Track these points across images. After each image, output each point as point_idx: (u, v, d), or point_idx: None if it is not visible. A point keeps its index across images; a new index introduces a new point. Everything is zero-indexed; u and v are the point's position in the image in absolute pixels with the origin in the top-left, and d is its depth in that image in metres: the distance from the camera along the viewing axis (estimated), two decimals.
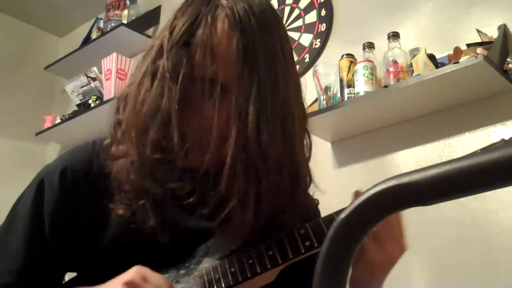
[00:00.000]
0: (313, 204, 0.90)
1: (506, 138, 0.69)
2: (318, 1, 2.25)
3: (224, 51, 0.68)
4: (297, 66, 2.21)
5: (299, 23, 2.29)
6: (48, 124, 2.96)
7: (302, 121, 0.77)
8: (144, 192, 0.72)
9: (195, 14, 0.70)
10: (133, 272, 0.69)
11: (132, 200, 0.72)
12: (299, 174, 0.74)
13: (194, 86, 0.68)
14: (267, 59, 0.69)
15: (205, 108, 0.69)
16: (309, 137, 0.79)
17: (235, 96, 0.67)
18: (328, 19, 2.19)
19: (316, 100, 1.96)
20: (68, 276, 0.86)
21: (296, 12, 2.32)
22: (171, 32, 0.71)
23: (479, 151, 0.69)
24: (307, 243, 0.71)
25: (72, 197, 0.77)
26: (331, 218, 0.73)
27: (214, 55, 0.68)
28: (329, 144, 2.04)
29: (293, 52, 2.29)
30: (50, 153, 3.20)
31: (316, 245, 0.71)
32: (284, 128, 0.70)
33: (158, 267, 0.76)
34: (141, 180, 0.71)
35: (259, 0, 0.73)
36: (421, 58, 1.67)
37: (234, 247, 0.73)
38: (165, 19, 2.85)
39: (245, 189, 0.67)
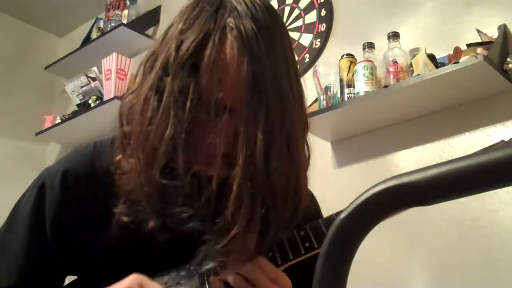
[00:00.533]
0: (311, 206, 0.89)
1: (506, 139, 0.69)
2: (318, 1, 2.25)
3: (233, 77, 0.66)
4: (297, 66, 2.21)
5: (299, 23, 2.29)
6: (48, 124, 2.96)
7: (304, 134, 0.76)
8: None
9: (203, 32, 0.67)
10: (130, 280, 0.70)
11: (135, 207, 0.72)
12: (302, 194, 0.73)
13: (201, 110, 0.67)
14: (274, 82, 0.68)
15: (212, 133, 0.67)
16: (308, 148, 0.77)
17: (244, 122, 0.66)
18: (328, 19, 2.19)
19: (316, 100, 1.96)
20: (69, 279, 0.86)
21: (296, 12, 2.32)
22: (177, 48, 0.68)
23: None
24: (307, 244, 0.71)
25: (73, 200, 0.77)
26: (331, 219, 0.73)
27: (222, 80, 0.66)
28: (329, 144, 2.04)
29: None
30: (50, 153, 3.21)
31: (316, 246, 0.71)
32: (290, 152, 0.69)
33: (158, 269, 0.77)
34: (148, 200, 0.70)
35: (263, 13, 0.71)
36: (421, 58, 1.67)
37: (239, 269, 0.72)
38: (165, 19, 2.84)
39: (250, 217, 0.66)
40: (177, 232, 0.71)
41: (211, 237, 0.69)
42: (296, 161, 0.71)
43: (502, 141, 0.69)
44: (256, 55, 0.66)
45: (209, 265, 0.75)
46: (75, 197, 0.77)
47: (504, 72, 1.58)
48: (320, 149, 2.04)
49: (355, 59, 1.86)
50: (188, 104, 0.66)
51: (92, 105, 2.75)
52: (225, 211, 0.66)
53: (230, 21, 0.68)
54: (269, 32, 0.69)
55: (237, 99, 0.66)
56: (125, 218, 0.72)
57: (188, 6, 0.73)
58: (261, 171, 0.65)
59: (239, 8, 0.69)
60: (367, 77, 1.76)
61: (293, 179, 0.70)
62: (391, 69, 1.73)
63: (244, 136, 0.66)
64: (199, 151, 0.68)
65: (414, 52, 1.74)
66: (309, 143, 0.77)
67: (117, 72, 2.68)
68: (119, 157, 0.74)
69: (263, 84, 0.66)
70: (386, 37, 1.82)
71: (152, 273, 0.76)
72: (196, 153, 0.68)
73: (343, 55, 1.88)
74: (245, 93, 0.66)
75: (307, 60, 2.19)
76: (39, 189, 0.79)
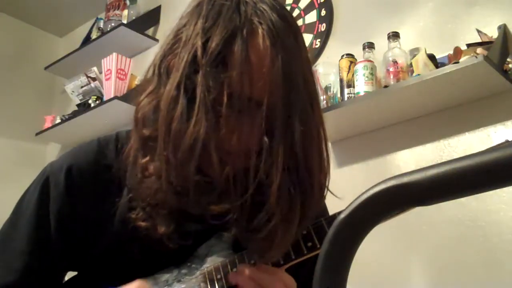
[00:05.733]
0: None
1: (510, 139, 0.68)
2: (318, 1, 2.25)
3: (266, 71, 0.66)
4: None
5: (299, 23, 2.29)
6: (48, 124, 2.96)
7: (325, 130, 0.77)
8: (169, 207, 0.71)
9: (230, 28, 0.66)
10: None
11: (155, 211, 0.71)
12: (324, 188, 0.75)
13: (234, 106, 0.66)
14: (303, 75, 0.69)
15: (245, 128, 0.67)
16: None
17: (280, 115, 0.66)
18: (328, 19, 2.19)
19: None
20: (68, 275, 0.86)
21: (296, 12, 2.32)
22: (204, 45, 0.67)
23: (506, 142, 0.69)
24: (309, 244, 0.71)
25: (77, 196, 0.77)
26: (333, 218, 0.73)
27: (254, 74, 0.66)
28: (329, 144, 2.03)
29: None
30: (50, 153, 3.21)
31: (318, 245, 0.71)
32: (320, 147, 0.71)
33: (160, 266, 0.77)
34: (179, 201, 0.69)
35: (283, 9, 0.71)
36: (421, 58, 1.67)
37: (273, 261, 0.73)
38: (165, 19, 2.84)
39: (290, 208, 0.67)
40: (187, 235, 0.71)
41: (247, 231, 0.69)
42: (325, 155, 0.73)
43: (507, 141, 0.69)
44: (287, 48, 0.67)
45: (212, 262, 0.75)
46: (79, 193, 0.77)
47: (504, 72, 1.58)
48: None
49: (355, 59, 1.86)
50: (223, 100, 0.65)
51: (92, 105, 2.75)
52: (266, 202, 0.66)
53: (256, 17, 0.68)
54: (292, 27, 0.71)
55: (272, 93, 0.66)
56: (142, 224, 0.71)
57: (199, 3, 0.72)
58: (300, 163, 0.67)
59: (260, 4, 0.69)
60: (367, 77, 1.76)
61: (324, 172, 0.72)
62: (391, 69, 1.73)
63: (282, 129, 0.66)
64: (234, 148, 0.68)
65: (414, 52, 1.74)
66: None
67: (117, 72, 2.68)
68: (143, 160, 0.72)
69: (295, 77, 0.67)
70: (386, 37, 1.82)
71: (153, 270, 0.76)
72: (231, 150, 0.68)
73: (343, 55, 1.88)
74: (279, 86, 0.66)
75: None
76: (43, 184, 0.79)
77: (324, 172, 0.73)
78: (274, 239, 0.67)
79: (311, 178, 0.69)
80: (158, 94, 0.71)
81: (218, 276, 0.73)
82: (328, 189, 0.74)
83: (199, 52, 0.66)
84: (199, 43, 0.67)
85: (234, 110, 0.66)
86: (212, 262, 0.75)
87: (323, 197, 0.74)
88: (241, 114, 0.66)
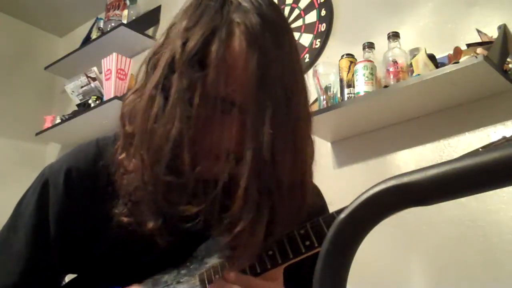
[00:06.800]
0: (317, 201, 0.89)
1: (508, 135, 0.68)
2: (318, 1, 2.25)
3: (241, 72, 0.66)
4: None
5: (299, 23, 2.29)
6: (48, 124, 2.96)
7: (309, 129, 0.75)
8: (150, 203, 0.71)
9: (209, 29, 0.67)
10: None
11: (136, 208, 0.72)
12: (308, 188, 0.73)
13: (208, 107, 0.66)
14: (281, 77, 0.68)
15: (218, 129, 0.67)
16: (312, 143, 0.77)
17: (251, 117, 0.66)
18: (328, 19, 2.19)
19: (316, 100, 1.96)
20: (68, 277, 0.86)
21: (296, 12, 2.32)
22: (183, 45, 0.67)
23: (480, 149, 0.69)
24: (307, 243, 0.71)
25: (76, 198, 0.77)
26: (331, 217, 0.73)
27: (229, 76, 0.66)
28: (329, 144, 2.04)
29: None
30: (50, 153, 3.21)
31: (316, 244, 0.71)
32: (296, 146, 0.69)
33: (159, 268, 0.77)
34: (152, 200, 0.70)
35: (269, 8, 0.70)
36: (421, 58, 1.67)
37: (246, 266, 0.72)
38: (165, 19, 2.85)
39: (256, 212, 0.66)
40: (177, 231, 0.71)
41: (217, 233, 0.69)
42: (302, 155, 0.71)
43: (504, 137, 0.68)
44: (263, 50, 0.66)
45: (211, 263, 0.75)
46: (78, 195, 0.77)
47: (504, 72, 1.58)
48: (320, 149, 2.04)
49: (355, 59, 1.86)
50: (195, 100, 0.65)
51: (92, 105, 2.75)
52: (232, 206, 0.66)
53: (236, 17, 0.67)
54: (275, 27, 0.69)
55: (245, 94, 0.66)
56: (125, 219, 0.72)
57: (191, 3, 0.72)
58: (269, 166, 0.65)
59: (244, 3, 0.69)
60: (367, 77, 1.76)
61: (299, 173, 0.71)
62: (391, 69, 1.73)
63: (252, 131, 0.65)
64: (205, 149, 0.68)
65: (414, 52, 1.74)
66: (313, 138, 0.77)
67: (117, 72, 2.68)
68: (121, 156, 0.74)
69: (270, 79, 0.66)
70: (386, 37, 1.82)
71: (153, 272, 0.76)
72: (202, 150, 0.68)
73: (343, 55, 1.88)
74: (252, 88, 0.65)
75: (307, 60, 2.19)
76: (42, 186, 0.79)
77: (300, 173, 0.71)
78: (239, 244, 0.67)
79: (281, 182, 0.67)
80: (142, 92, 0.72)
81: (217, 276, 0.73)
82: (303, 187, 0.72)
83: (177, 52, 0.67)
84: (179, 43, 0.68)
85: (207, 110, 0.66)
86: (211, 263, 0.75)
87: (298, 198, 0.71)
88: (214, 115, 0.66)
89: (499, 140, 0.69)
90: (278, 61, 0.68)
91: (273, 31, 0.68)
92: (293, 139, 0.69)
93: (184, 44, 0.67)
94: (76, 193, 0.77)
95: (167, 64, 0.69)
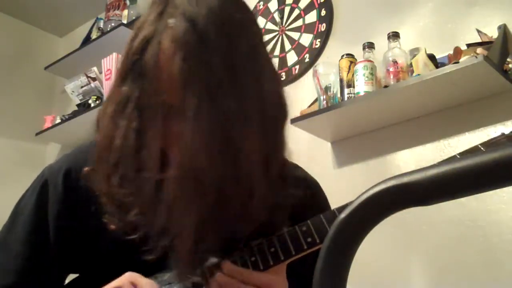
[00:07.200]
0: (314, 194, 0.89)
1: (507, 132, 0.68)
2: (318, 1, 2.25)
3: (169, 76, 0.65)
4: (297, 66, 2.21)
5: (299, 23, 2.29)
6: (48, 124, 2.96)
7: (260, 129, 0.69)
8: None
9: (147, 36, 0.67)
10: (123, 279, 0.70)
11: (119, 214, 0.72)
12: (253, 186, 0.68)
13: (148, 113, 0.67)
14: (211, 77, 0.65)
15: (157, 134, 0.67)
16: (280, 142, 0.73)
17: (177, 120, 0.65)
18: (328, 19, 2.19)
19: (316, 100, 1.96)
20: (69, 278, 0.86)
21: (296, 12, 2.32)
22: (127, 55, 0.69)
23: (479, 145, 0.69)
24: (309, 240, 0.72)
25: (75, 199, 0.77)
26: (332, 214, 0.73)
27: (162, 80, 0.66)
28: (329, 144, 2.04)
29: (293, 52, 2.25)
30: (50, 153, 3.20)
31: (318, 241, 0.71)
32: (229, 147, 0.65)
33: (161, 267, 0.77)
34: (115, 209, 0.71)
35: (208, 8, 0.67)
36: (421, 58, 1.67)
37: (186, 275, 0.71)
38: None
39: (182, 221, 0.65)
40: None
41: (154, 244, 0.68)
42: (241, 159, 0.66)
43: (503, 134, 0.69)
44: (188, 52, 0.65)
45: (209, 262, 0.75)
46: (77, 195, 0.77)
47: (504, 72, 1.58)
48: (320, 149, 2.04)
49: (355, 59, 1.86)
50: (130, 109, 0.67)
51: (92, 105, 2.75)
52: (160, 215, 0.65)
53: (171, 21, 0.67)
54: (208, 28, 0.66)
55: (174, 97, 0.66)
56: (112, 226, 0.73)
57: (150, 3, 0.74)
58: (192, 171, 0.64)
59: (181, 6, 0.68)
60: (367, 77, 1.76)
61: (234, 177, 0.66)
62: (391, 69, 1.73)
63: (179, 135, 0.65)
64: (150, 156, 0.67)
65: (414, 52, 1.74)
66: (284, 137, 0.74)
67: None
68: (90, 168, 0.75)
69: (196, 81, 0.65)
70: (386, 37, 1.82)
71: (154, 271, 0.76)
72: (147, 158, 0.67)
73: (343, 55, 1.88)
74: (179, 90, 0.65)
75: (307, 60, 2.19)
76: (42, 187, 0.79)
77: (243, 171, 0.67)
78: (175, 250, 0.67)
79: (209, 188, 0.65)
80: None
81: (217, 272, 0.73)
82: (249, 184, 0.68)
83: (120, 62, 0.70)
84: (126, 49, 0.70)
85: (149, 116, 0.67)
86: (211, 261, 0.75)
87: (244, 197, 0.67)
88: (156, 121, 0.66)
89: (498, 137, 0.69)
90: (207, 62, 0.65)
91: (205, 33, 0.66)
92: (224, 142, 0.65)
93: (128, 50, 0.69)
94: (75, 193, 0.77)
95: (117, 75, 0.71)
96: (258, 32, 0.75)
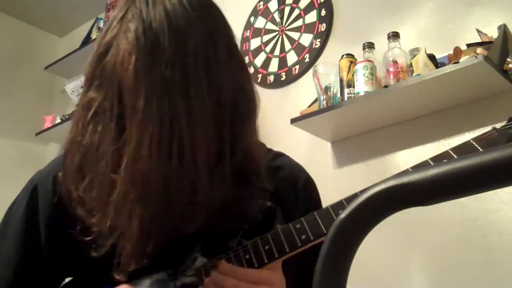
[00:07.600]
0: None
1: (497, 127, 0.69)
2: (318, 1, 2.25)
3: (123, 77, 0.67)
4: (297, 66, 2.21)
5: (299, 23, 2.29)
6: (48, 124, 2.96)
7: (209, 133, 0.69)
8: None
9: (110, 41, 0.70)
10: None
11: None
12: (196, 182, 0.68)
13: (106, 115, 0.69)
14: (160, 79, 0.66)
15: (110, 136, 0.69)
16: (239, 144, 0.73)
17: (130, 121, 0.67)
18: (328, 19, 2.19)
19: (316, 100, 1.96)
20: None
21: (296, 12, 2.32)
22: (92, 59, 0.72)
23: (471, 140, 0.70)
24: (303, 237, 0.72)
25: (65, 203, 0.77)
26: (326, 211, 0.73)
27: (118, 82, 0.68)
28: (329, 144, 2.04)
29: (293, 52, 2.24)
30: (50, 153, 3.20)
31: (312, 238, 0.72)
32: (174, 147, 0.66)
33: (152, 269, 0.76)
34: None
35: (164, 14, 0.68)
36: (421, 58, 1.67)
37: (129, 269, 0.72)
38: None
39: (128, 220, 0.67)
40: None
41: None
42: (185, 157, 0.66)
43: (494, 128, 0.69)
44: (141, 54, 0.67)
45: (202, 262, 0.75)
46: (67, 200, 0.77)
47: (504, 72, 1.58)
48: (320, 149, 2.04)
49: (355, 59, 1.86)
50: (91, 113, 0.69)
51: None
52: (108, 215, 0.68)
53: (131, 26, 0.69)
54: (163, 30, 0.67)
55: (128, 99, 0.67)
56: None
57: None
58: (137, 171, 0.65)
59: (142, 9, 0.69)
60: (367, 77, 1.76)
61: (178, 176, 0.66)
62: (391, 69, 1.73)
63: (129, 136, 0.67)
64: (102, 157, 0.69)
65: (414, 52, 1.74)
66: (249, 130, 0.75)
67: None
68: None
69: (145, 82, 0.66)
70: (386, 37, 1.82)
71: (150, 271, 0.76)
72: (101, 158, 0.69)
73: (343, 55, 1.88)
74: (131, 92, 0.67)
75: (307, 60, 2.19)
76: (32, 192, 0.79)
77: (196, 171, 0.67)
78: (122, 248, 0.69)
79: (153, 189, 0.66)
80: None
81: (213, 271, 0.73)
82: (200, 182, 0.68)
83: (89, 65, 0.73)
84: (91, 56, 0.73)
85: (108, 117, 0.68)
86: (204, 261, 0.75)
87: (184, 198, 0.68)
88: (112, 120, 0.68)
89: (489, 131, 0.69)
90: (158, 63, 0.66)
91: (159, 35, 0.67)
92: (168, 142, 0.66)
93: (94, 55, 0.72)
94: (65, 198, 0.77)
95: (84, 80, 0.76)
96: (221, 30, 0.74)
